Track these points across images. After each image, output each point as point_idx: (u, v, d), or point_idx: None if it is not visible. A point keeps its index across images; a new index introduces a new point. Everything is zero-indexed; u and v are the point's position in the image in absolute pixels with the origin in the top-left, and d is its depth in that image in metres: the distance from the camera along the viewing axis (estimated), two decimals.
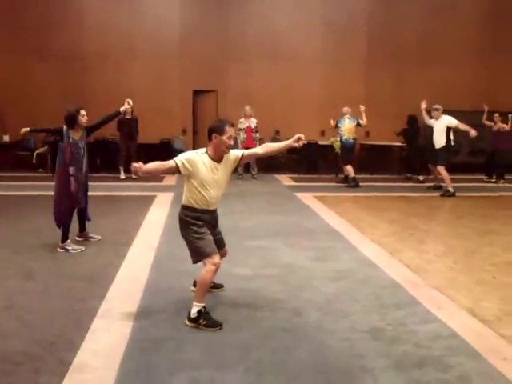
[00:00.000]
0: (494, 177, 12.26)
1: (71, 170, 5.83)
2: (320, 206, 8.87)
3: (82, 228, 6.28)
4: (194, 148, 14.95)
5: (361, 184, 11.09)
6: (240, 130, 12.07)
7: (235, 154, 4.11)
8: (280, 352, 3.48)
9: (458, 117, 10.40)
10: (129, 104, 6.44)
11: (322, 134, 13.33)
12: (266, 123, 12.84)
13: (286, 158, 13.51)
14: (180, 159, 3.91)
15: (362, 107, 11.12)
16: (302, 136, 3.98)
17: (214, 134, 3.92)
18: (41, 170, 12.50)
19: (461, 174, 11.87)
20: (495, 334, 3.81)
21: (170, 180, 11.72)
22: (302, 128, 13.15)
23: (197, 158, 3.93)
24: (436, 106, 10.42)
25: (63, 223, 5.90)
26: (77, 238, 6.22)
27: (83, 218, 6.26)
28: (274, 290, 4.67)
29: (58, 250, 5.83)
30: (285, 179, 12.29)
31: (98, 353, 3.42)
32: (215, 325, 3.85)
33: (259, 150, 4.22)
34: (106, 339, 3.64)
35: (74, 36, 13.08)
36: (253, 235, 6.70)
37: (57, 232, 6.02)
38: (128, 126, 11.70)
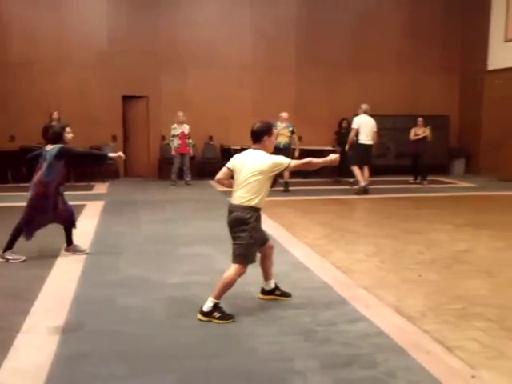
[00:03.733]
0: (419, 178, 12.77)
1: (61, 188, 5.87)
2: None
3: (9, 246, 5.83)
4: (126, 154, 14.28)
5: (294, 188, 11.26)
6: (174, 136, 12.06)
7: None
8: (211, 360, 3.47)
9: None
10: (120, 157, 6.16)
11: None
12: (199, 129, 12.81)
13: (220, 164, 13.46)
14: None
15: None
16: None
17: (265, 137, 4.32)
18: None
19: (388, 176, 12.31)
20: (419, 330, 3.97)
21: (101, 188, 11.43)
22: (236, 133, 13.36)
23: None
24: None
25: (27, 233, 5.78)
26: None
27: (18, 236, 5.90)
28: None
29: (0, 259, 5.71)
30: (219, 185, 12.23)
31: (20, 372, 3.27)
32: (229, 317, 4.06)
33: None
34: (30, 356, 3.49)
35: None
36: (186, 242, 6.64)
37: None
38: None
